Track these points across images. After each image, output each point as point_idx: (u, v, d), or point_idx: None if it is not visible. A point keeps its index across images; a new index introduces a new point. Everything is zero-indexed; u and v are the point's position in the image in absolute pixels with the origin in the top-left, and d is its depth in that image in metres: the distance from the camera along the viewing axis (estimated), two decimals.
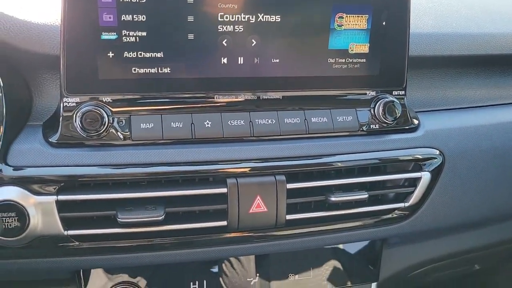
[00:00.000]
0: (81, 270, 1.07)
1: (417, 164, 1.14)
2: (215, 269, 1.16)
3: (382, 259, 1.26)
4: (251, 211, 1.01)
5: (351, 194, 1.07)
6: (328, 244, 1.18)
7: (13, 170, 0.92)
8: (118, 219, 0.94)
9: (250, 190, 1.01)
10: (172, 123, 1.00)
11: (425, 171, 1.14)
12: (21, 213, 0.91)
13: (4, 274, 1.01)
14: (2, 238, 0.91)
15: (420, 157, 1.13)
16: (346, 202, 1.09)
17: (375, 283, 1.26)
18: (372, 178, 1.11)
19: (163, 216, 0.96)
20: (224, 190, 1.00)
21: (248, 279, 1.17)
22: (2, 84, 0.92)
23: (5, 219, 0.90)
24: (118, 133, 0.97)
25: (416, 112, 1.20)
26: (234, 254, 1.10)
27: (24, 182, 0.92)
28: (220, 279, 1.16)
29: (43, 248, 0.95)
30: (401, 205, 1.14)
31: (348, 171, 1.11)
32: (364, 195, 1.07)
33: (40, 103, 1.02)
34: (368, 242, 1.25)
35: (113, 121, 0.97)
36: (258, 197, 1.02)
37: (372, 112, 1.11)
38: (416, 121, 1.16)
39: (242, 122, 1.03)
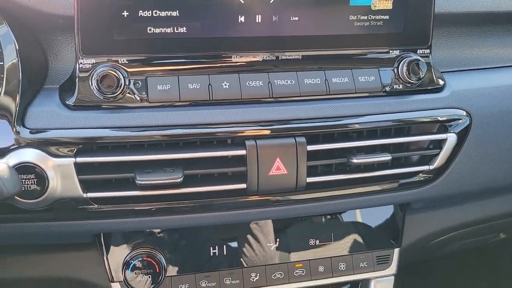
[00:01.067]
0: (102, 234, 1.08)
1: (443, 126, 1.10)
2: (235, 234, 1.15)
3: (405, 225, 1.23)
4: (270, 173, 1.00)
5: (374, 156, 1.04)
6: (349, 208, 1.16)
7: (31, 132, 0.92)
8: (137, 181, 0.94)
9: (270, 152, 0.99)
10: (189, 84, 0.98)
11: (451, 132, 1.10)
12: (40, 175, 0.91)
13: (26, 238, 1.02)
14: (22, 200, 0.91)
15: (446, 118, 1.09)
16: (369, 164, 1.06)
17: (397, 249, 1.23)
18: (395, 140, 1.07)
19: (181, 178, 0.95)
20: (243, 152, 0.98)
21: (268, 244, 1.16)
22: (17, 47, 0.91)
23: (25, 181, 0.90)
24: (135, 95, 0.96)
25: (441, 72, 1.16)
26: (254, 218, 1.09)
27: (42, 145, 0.92)
28: (240, 244, 1.15)
29: (63, 211, 0.95)
30: (426, 167, 1.10)
31: (370, 133, 1.07)
32: (387, 157, 1.04)
33: (56, 66, 1.00)
34: (391, 207, 1.22)
35: (129, 82, 0.95)
36: (278, 159, 0.99)
37: (396, 71, 1.07)
38: (441, 81, 1.12)
39: (260, 83, 1.00)
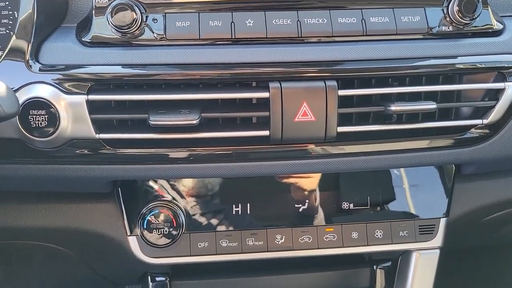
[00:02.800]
0: (119, 185, 1.03)
1: (501, 74, 0.94)
2: (260, 191, 1.05)
3: (454, 192, 1.09)
4: (296, 119, 0.90)
5: (416, 104, 0.92)
6: (387, 166, 1.03)
7: (44, 68, 0.88)
8: (150, 122, 0.87)
9: (296, 95, 0.89)
10: (210, 21, 0.90)
11: (510, 81, 0.95)
12: (51, 112, 0.87)
13: (42, 183, 0.99)
14: (32, 137, 0.87)
15: (505, 65, 0.94)
16: (410, 114, 0.94)
17: (444, 219, 1.09)
18: (443, 87, 0.94)
19: (197, 120, 0.87)
20: (266, 94, 0.89)
21: (296, 205, 1.06)
22: None
23: (35, 117, 0.87)
24: (153, 32, 0.90)
25: (501, 16, 1.01)
26: (277, 171, 0.99)
27: (54, 80, 0.88)
28: (265, 202, 1.05)
29: (76, 153, 0.91)
30: (479, 121, 0.96)
31: (413, 80, 0.95)
32: (431, 105, 0.91)
33: (76, 4, 0.96)
34: (437, 170, 1.08)
35: (146, 19, 0.89)
36: (305, 104, 0.89)
37: (445, 11, 0.93)
38: (500, 25, 0.97)
39: (288, 21, 0.91)
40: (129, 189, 1.04)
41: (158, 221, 1.01)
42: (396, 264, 1.19)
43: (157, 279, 1.22)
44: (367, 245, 1.06)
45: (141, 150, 0.92)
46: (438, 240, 1.08)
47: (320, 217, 1.06)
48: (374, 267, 1.26)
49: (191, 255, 1.04)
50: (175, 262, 1.05)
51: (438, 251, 1.09)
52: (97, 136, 0.90)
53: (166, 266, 1.16)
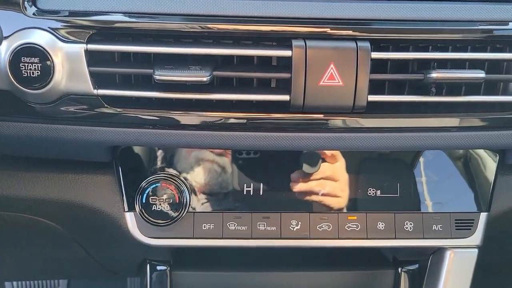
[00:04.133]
0: (118, 154, 0.92)
1: None
2: (275, 170, 0.94)
3: (497, 184, 0.95)
4: (321, 83, 0.78)
5: (462, 72, 0.80)
6: (422, 146, 0.89)
7: (40, 12, 0.79)
8: (155, 77, 0.77)
9: (322, 55, 0.77)
10: None
11: None
12: (44, 60, 0.77)
13: (36, 145, 0.89)
14: (23, 88, 0.78)
15: None
16: (453, 84, 0.82)
17: (485, 213, 0.95)
18: (492, 55, 0.81)
19: (208, 78, 0.77)
20: (288, 53, 0.78)
21: (316, 188, 0.94)
22: None
23: (27, 66, 0.77)
24: None
25: None
26: (297, 145, 0.86)
27: (51, 26, 0.78)
28: (280, 183, 0.93)
29: (72, 110, 0.81)
30: None
31: (457, 46, 0.83)
32: (479, 74, 0.79)
33: None
34: (479, 157, 0.95)
35: None
36: (332, 66, 0.78)
37: None
38: None
39: None
40: (129, 159, 0.93)
41: (159, 196, 0.90)
42: (424, 267, 1.06)
43: (157, 268, 1.11)
44: (395, 238, 0.93)
45: (145, 111, 0.82)
46: (477, 237, 0.94)
47: (342, 203, 0.94)
48: (399, 269, 1.13)
49: (194, 238, 0.92)
50: (176, 245, 0.93)
51: (476, 250, 0.95)
52: (95, 92, 0.80)
53: (166, 250, 1.04)
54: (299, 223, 0.93)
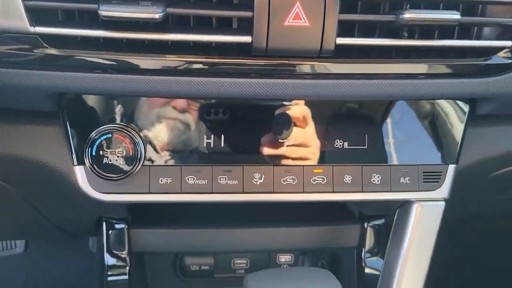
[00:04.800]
0: (65, 102, 0.84)
1: None
2: (237, 120, 0.87)
3: (466, 136, 0.92)
4: (286, 23, 0.71)
5: (436, 12, 0.74)
6: (393, 95, 0.84)
7: None
8: (100, 13, 0.68)
9: None
10: None
11: None
12: None
13: None
14: None
15: None
16: (425, 28, 0.77)
17: (453, 166, 0.93)
18: None
19: (161, 15, 0.69)
20: None
21: (280, 140, 0.88)
22: None
23: None
24: None
25: None
26: (259, 92, 0.79)
27: None
28: (243, 134, 0.87)
29: (9, 51, 0.72)
30: (508, 43, 0.79)
31: None
32: (454, 15, 0.74)
33: None
34: (450, 107, 0.91)
35: None
36: (298, 4, 0.71)
37: None
38: None
39: None
40: (77, 108, 0.84)
41: (110, 148, 0.83)
42: (390, 222, 1.04)
43: (115, 226, 1.06)
44: (362, 191, 0.89)
45: (91, 53, 0.73)
46: (444, 190, 0.91)
47: (308, 155, 0.89)
48: (365, 224, 1.11)
49: (150, 193, 0.86)
50: (131, 200, 0.87)
51: (443, 203, 0.93)
52: (32, 29, 0.70)
53: (123, 207, 0.98)
54: (263, 176, 0.88)
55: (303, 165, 0.88)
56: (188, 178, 0.86)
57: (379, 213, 1.09)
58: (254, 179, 0.88)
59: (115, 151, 0.83)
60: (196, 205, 0.95)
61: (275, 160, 0.88)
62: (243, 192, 0.88)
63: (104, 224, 1.05)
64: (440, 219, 0.94)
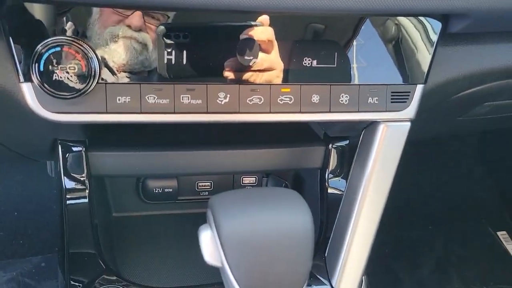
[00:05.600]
0: (6, 13, 0.74)
1: None
2: (201, 34, 0.81)
3: (436, 55, 0.90)
4: None
5: None
6: (361, 9, 0.80)
7: None
8: None
9: None
10: None
11: None
12: None
13: None
14: None
15: None
16: None
17: (421, 86, 0.91)
18: None
19: None
20: None
21: (246, 57, 0.82)
22: None
23: None
24: None
25: None
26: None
27: None
28: (205, 50, 0.81)
29: None
30: None
31: None
32: None
33: None
34: (421, 24, 0.87)
35: None
36: None
37: None
38: None
39: None
40: (21, 16, 0.75)
41: (60, 63, 0.75)
42: (355, 143, 1.04)
43: (72, 149, 1.00)
44: (329, 111, 0.87)
45: None
46: (411, 110, 0.91)
47: (274, 74, 0.84)
48: (330, 145, 1.10)
49: (107, 112, 0.81)
50: (86, 120, 0.81)
51: (409, 124, 0.93)
52: None
53: (80, 128, 0.93)
54: (228, 95, 0.83)
55: (270, 84, 0.84)
56: (148, 97, 0.81)
57: (344, 135, 1.09)
58: (219, 99, 0.83)
59: (66, 67, 0.76)
60: (157, 127, 0.91)
61: (241, 78, 0.84)
62: (207, 112, 0.83)
63: (59, 147, 0.99)
64: (405, 139, 0.94)
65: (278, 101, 0.85)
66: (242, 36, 0.81)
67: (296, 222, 0.68)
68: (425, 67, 0.90)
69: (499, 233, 2.26)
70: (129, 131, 1.03)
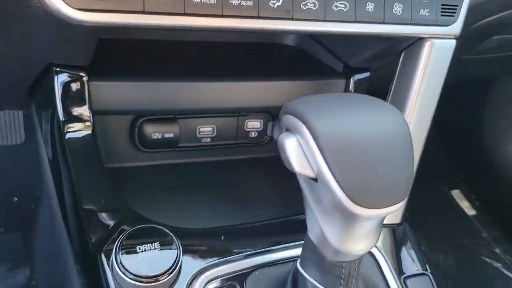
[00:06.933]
0: None
1: None
2: None
3: None
4: None
5: None
6: None
7: None
8: None
9: None
10: None
11: None
12: None
13: None
14: None
15: None
16: None
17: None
18: None
19: None
20: None
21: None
22: None
23: None
24: None
25: None
26: None
27: None
28: None
29: None
30: None
31: None
32: None
33: None
34: None
35: None
36: None
37: None
38: None
39: None
40: None
41: None
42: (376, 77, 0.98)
43: (71, 75, 0.83)
44: (383, 22, 0.80)
45: None
46: (457, 26, 0.86)
47: None
48: (351, 78, 1.03)
49: (144, 12, 0.65)
50: (117, 22, 0.64)
51: (454, 42, 0.88)
52: None
53: (84, 46, 0.77)
54: None
55: None
56: None
57: (368, 65, 1.02)
58: (272, 1, 0.72)
59: None
60: (160, 55, 0.77)
61: None
62: (258, 17, 0.71)
63: (54, 74, 0.82)
64: (449, 61, 0.89)
65: (333, 7, 0.76)
66: None
67: (394, 125, 0.59)
68: None
69: (452, 192, 2.36)
70: (127, 59, 0.89)
